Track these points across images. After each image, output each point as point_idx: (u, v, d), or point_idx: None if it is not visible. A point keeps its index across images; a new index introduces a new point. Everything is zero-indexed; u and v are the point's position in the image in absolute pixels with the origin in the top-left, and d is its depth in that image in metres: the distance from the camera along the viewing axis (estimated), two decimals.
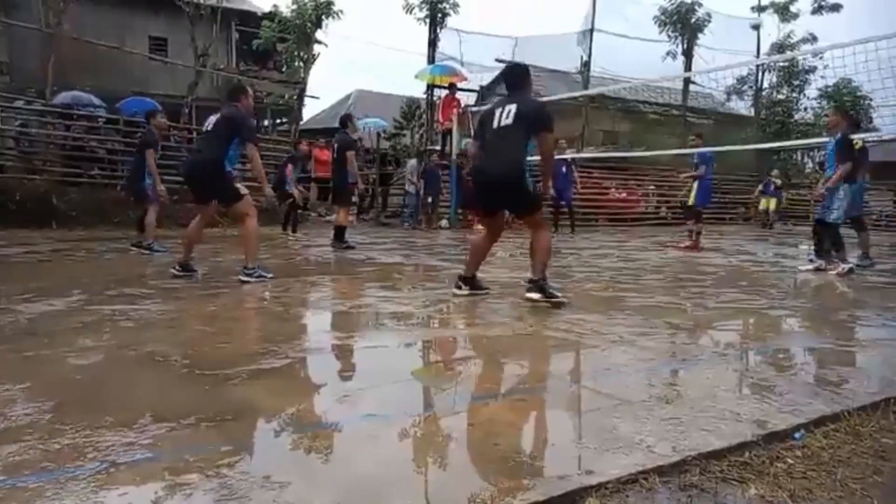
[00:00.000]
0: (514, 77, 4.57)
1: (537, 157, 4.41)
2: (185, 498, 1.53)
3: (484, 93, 18.73)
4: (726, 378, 2.69)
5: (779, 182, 15.86)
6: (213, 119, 5.11)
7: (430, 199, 13.14)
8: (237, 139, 4.95)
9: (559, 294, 4.24)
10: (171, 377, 2.54)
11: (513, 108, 4.25)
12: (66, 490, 1.55)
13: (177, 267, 5.16)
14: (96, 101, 12.43)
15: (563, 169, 11.45)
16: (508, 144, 4.20)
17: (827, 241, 6.60)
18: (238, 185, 5.08)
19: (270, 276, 5.14)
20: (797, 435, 2.00)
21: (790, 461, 1.83)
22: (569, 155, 12.08)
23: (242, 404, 2.20)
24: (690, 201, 9.31)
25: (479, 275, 4.68)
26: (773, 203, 15.94)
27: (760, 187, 16.39)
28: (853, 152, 6.55)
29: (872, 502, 1.61)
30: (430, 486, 1.65)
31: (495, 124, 4.30)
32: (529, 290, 4.26)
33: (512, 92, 4.48)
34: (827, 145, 6.70)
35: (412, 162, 13.33)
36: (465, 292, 4.53)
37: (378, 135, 15.78)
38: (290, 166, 10.80)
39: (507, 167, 4.19)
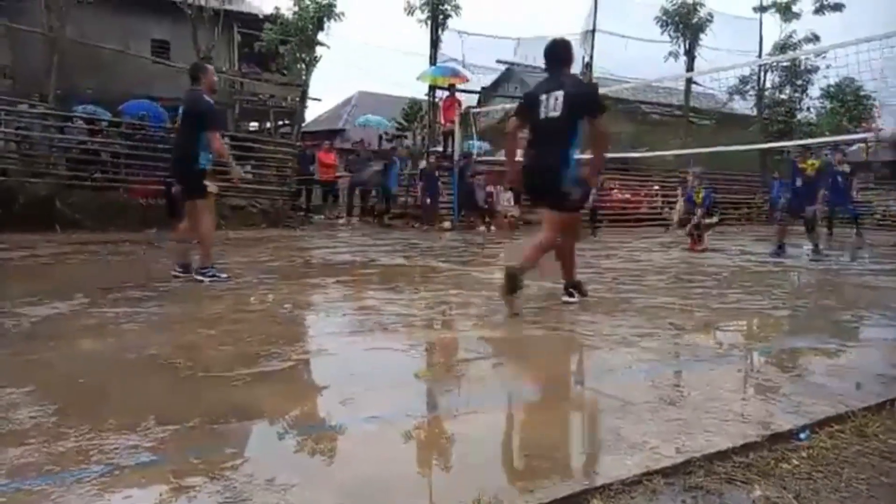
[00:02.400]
0: (556, 54, 4.27)
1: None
2: (189, 500, 1.53)
3: (485, 94, 18.76)
4: (730, 379, 2.68)
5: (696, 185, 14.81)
6: (180, 111, 5.16)
7: (428, 201, 13.15)
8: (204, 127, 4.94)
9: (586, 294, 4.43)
10: (175, 380, 2.54)
11: (560, 94, 4.01)
12: (71, 493, 1.55)
13: (177, 268, 5.18)
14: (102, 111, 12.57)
15: None
16: (557, 136, 4.04)
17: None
18: (207, 183, 5.03)
19: (225, 276, 5.15)
20: (802, 435, 2.00)
21: (795, 462, 1.82)
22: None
23: (246, 407, 2.20)
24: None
25: (481, 276, 4.64)
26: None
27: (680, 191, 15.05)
28: None
29: (878, 503, 1.60)
30: (434, 488, 1.64)
31: (542, 114, 4.08)
32: (565, 294, 4.34)
33: (555, 71, 4.24)
34: None
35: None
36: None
37: (380, 136, 15.79)
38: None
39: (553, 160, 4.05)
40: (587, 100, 4.12)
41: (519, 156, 4.54)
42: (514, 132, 4.43)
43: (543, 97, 4.10)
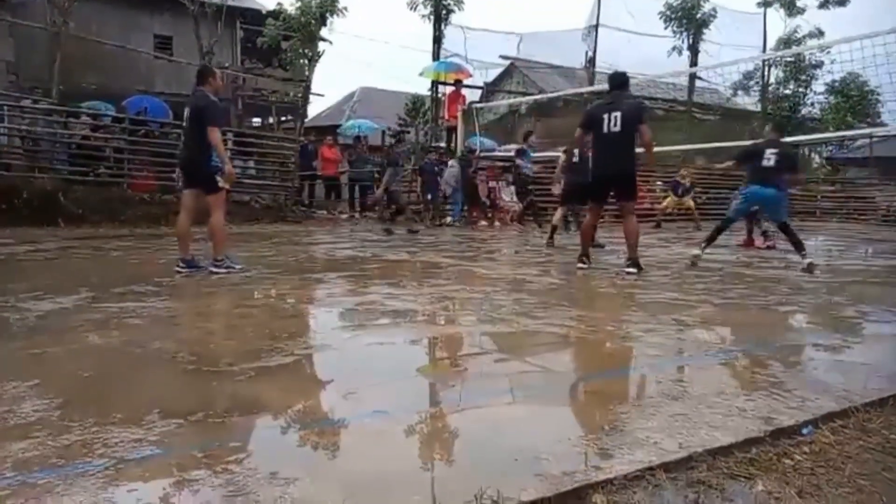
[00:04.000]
0: (618, 82, 5.71)
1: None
2: (192, 494, 1.54)
3: (489, 89, 18.72)
4: (733, 374, 2.68)
5: (688, 183, 13.85)
6: (187, 111, 5.30)
7: (429, 196, 13.09)
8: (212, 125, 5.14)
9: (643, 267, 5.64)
10: (179, 374, 2.55)
11: (618, 114, 5.38)
12: (76, 486, 1.56)
13: (180, 264, 5.20)
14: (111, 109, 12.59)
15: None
16: (622, 145, 5.44)
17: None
18: (218, 178, 5.23)
19: (239, 266, 5.35)
20: (805, 431, 2.00)
21: (798, 457, 1.82)
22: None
23: (249, 401, 2.21)
24: None
25: (484, 271, 4.72)
26: (673, 203, 13.97)
27: (663, 186, 14.58)
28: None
29: (881, 498, 1.60)
30: (437, 482, 1.65)
31: (605, 129, 5.43)
32: (628, 266, 5.53)
33: (614, 93, 5.65)
34: None
35: (454, 170, 13.04)
36: (586, 266, 5.84)
37: (383, 133, 15.79)
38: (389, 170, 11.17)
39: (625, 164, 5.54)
40: (636, 114, 5.48)
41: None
42: (582, 138, 6.06)
43: (605, 115, 5.44)
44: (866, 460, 1.82)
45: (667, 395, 2.30)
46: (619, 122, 5.36)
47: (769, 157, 6.40)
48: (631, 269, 5.52)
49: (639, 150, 5.72)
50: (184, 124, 5.41)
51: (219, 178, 5.21)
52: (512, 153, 13.01)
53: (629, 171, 5.58)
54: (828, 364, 2.91)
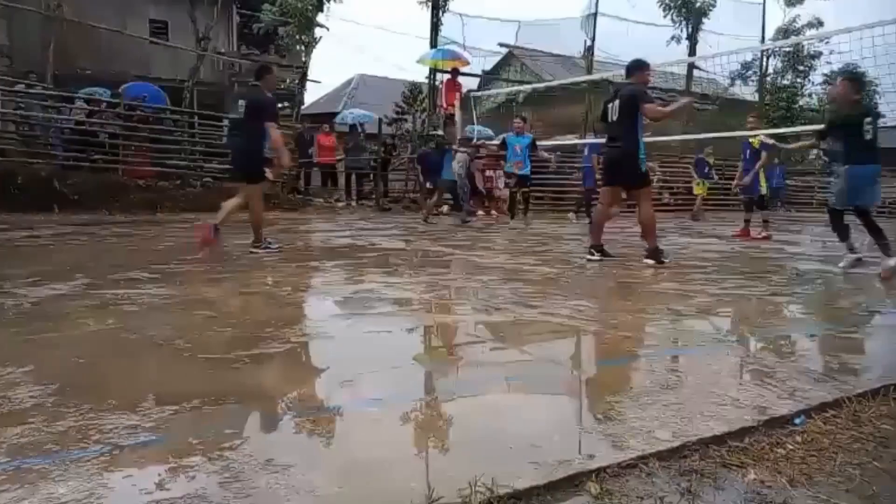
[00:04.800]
0: (628, 69, 5.80)
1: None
2: (188, 480, 1.54)
3: (486, 77, 18.63)
4: (727, 364, 2.69)
5: (711, 160, 13.33)
6: (242, 103, 5.75)
7: (427, 185, 13.04)
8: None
9: (666, 260, 5.51)
10: (175, 361, 2.55)
11: (616, 102, 5.50)
12: (71, 472, 1.56)
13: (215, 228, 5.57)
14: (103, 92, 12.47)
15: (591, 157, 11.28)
16: (619, 133, 5.53)
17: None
18: (265, 169, 5.80)
19: (276, 246, 5.98)
20: (797, 421, 2.01)
21: (790, 447, 1.83)
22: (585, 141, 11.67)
23: (245, 388, 2.21)
24: (764, 191, 9.09)
25: (481, 260, 4.73)
26: (703, 188, 13.30)
27: (694, 170, 13.85)
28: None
29: (871, 488, 1.61)
30: (432, 469, 1.66)
31: (609, 118, 5.62)
32: (646, 258, 5.54)
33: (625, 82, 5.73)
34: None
35: (464, 156, 12.89)
36: (598, 257, 5.77)
37: (380, 120, 15.70)
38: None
39: (622, 150, 5.56)
40: (631, 99, 5.45)
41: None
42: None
43: (609, 106, 5.64)
44: (857, 450, 1.83)
45: (661, 384, 2.31)
46: (616, 111, 5.55)
47: (868, 128, 5.12)
48: (647, 260, 5.56)
49: (652, 139, 5.89)
50: (240, 116, 5.83)
51: (266, 170, 5.72)
52: (495, 144, 12.83)
53: (626, 158, 5.61)
54: (821, 354, 2.93)
